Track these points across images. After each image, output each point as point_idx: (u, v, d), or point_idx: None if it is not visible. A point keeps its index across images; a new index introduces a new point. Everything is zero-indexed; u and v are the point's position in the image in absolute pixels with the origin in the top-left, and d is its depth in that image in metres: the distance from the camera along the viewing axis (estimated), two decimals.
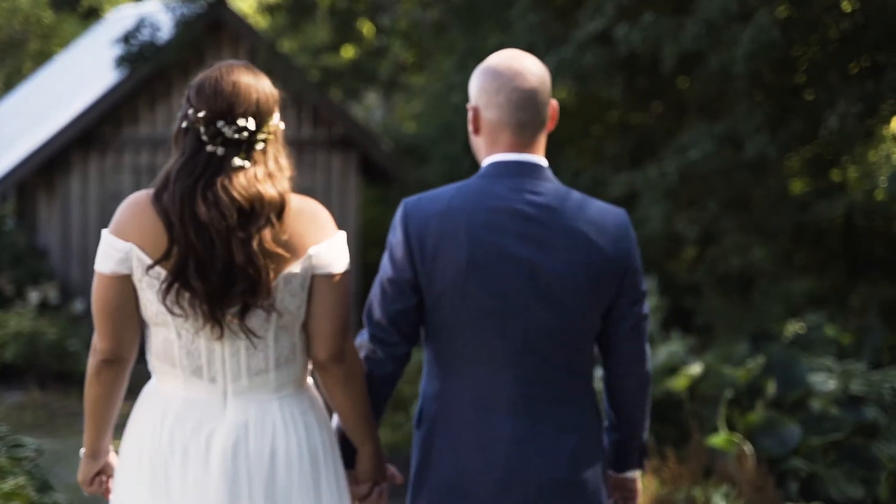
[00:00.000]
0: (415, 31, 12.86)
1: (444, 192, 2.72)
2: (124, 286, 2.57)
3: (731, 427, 5.61)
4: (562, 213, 2.66)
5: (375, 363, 2.73)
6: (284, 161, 2.62)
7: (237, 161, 2.54)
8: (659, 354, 6.17)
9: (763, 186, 8.61)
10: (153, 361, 2.69)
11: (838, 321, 8.35)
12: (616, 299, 2.70)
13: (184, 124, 2.58)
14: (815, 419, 5.53)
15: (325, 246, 2.61)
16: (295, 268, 2.58)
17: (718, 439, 5.39)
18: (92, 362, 2.64)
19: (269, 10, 12.25)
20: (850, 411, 5.58)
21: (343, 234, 2.68)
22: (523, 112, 2.70)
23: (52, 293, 12.18)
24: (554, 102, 2.76)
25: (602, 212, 2.70)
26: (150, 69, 11.49)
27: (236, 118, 2.54)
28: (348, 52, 13.29)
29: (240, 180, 2.52)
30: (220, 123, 2.54)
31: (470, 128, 2.75)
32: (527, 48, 9.39)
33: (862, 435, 5.49)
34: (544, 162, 2.74)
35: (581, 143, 11.53)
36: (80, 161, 12.57)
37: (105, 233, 2.60)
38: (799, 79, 8.23)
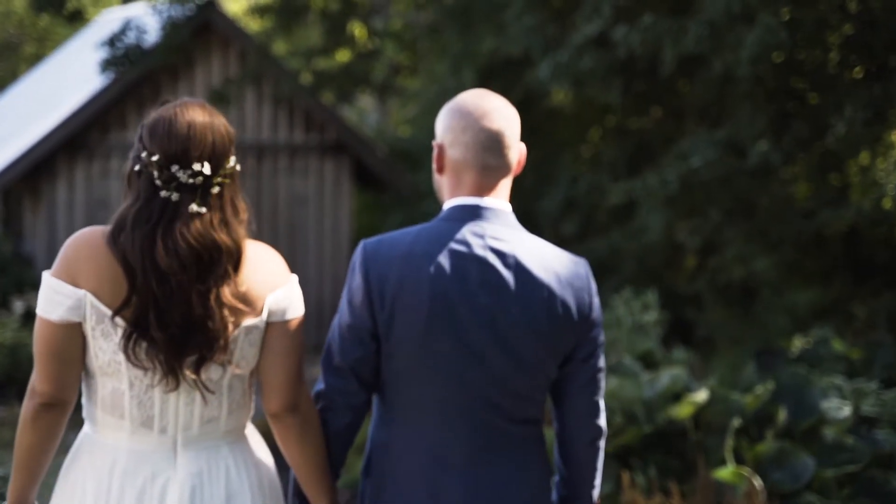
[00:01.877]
0: (408, 33, 12.64)
1: (405, 235, 2.62)
2: (73, 333, 2.45)
3: (739, 459, 5.32)
4: (523, 261, 2.58)
5: (333, 413, 2.63)
6: (241, 204, 2.54)
7: (193, 207, 2.45)
8: (661, 379, 5.87)
9: (766, 194, 8.40)
10: (95, 413, 2.56)
11: (845, 334, 8.09)
12: (573, 351, 2.64)
13: (136, 167, 2.47)
14: (829, 449, 5.23)
15: (281, 293, 2.56)
16: (254, 319, 2.52)
17: (726, 472, 5.08)
18: (29, 406, 2.47)
19: (259, 12, 12.02)
20: (865, 440, 5.29)
21: (296, 278, 2.64)
22: (489, 153, 2.61)
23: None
24: (522, 147, 2.65)
25: (563, 261, 2.64)
26: (137, 73, 11.32)
27: (191, 162, 2.45)
28: (343, 55, 13.05)
29: (196, 227, 2.44)
30: (174, 168, 2.44)
31: (434, 166, 2.68)
32: (522, 51, 9.20)
33: (879, 466, 5.20)
34: (508, 207, 2.66)
35: (578, 149, 11.34)
36: (67, 167, 12.40)
37: (49, 276, 2.46)
38: (802, 83, 7.98)
